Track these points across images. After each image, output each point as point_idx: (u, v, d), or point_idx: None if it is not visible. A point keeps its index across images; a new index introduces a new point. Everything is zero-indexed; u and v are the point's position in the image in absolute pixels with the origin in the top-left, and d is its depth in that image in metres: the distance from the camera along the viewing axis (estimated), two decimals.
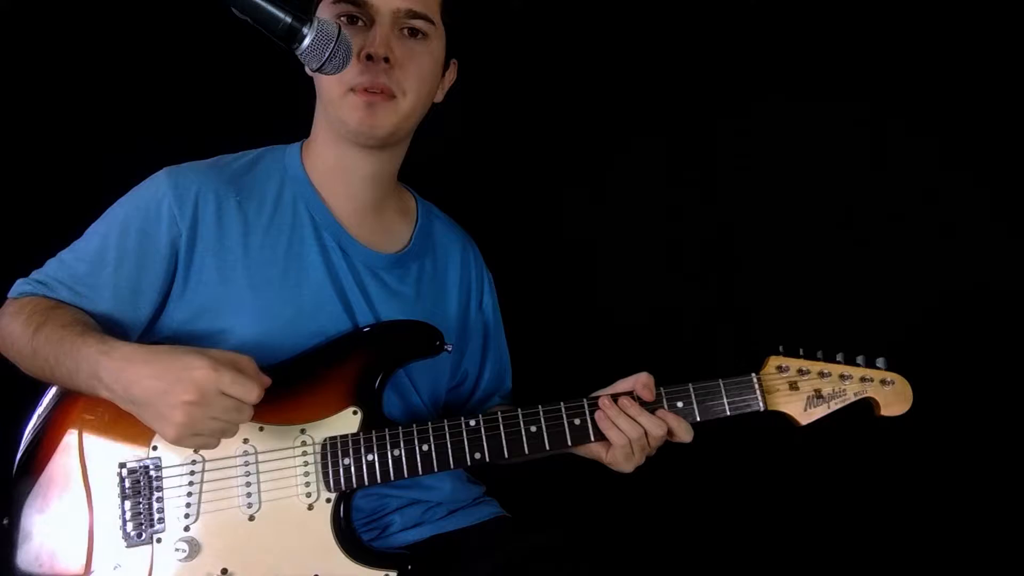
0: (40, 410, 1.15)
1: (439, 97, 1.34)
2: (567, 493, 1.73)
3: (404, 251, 1.36)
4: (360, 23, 1.21)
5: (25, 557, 1.08)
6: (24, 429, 1.14)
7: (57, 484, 1.11)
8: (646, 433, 1.20)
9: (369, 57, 1.18)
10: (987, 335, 1.86)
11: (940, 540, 1.84)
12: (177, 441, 1.03)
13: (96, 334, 1.11)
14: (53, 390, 1.16)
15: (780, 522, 1.88)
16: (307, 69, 1.24)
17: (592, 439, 1.22)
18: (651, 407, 1.22)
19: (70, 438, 1.12)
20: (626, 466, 1.23)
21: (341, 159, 1.29)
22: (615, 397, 1.21)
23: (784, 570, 1.86)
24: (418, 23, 1.23)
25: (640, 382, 1.22)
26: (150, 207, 1.20)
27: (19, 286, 1.22)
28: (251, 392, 1.03)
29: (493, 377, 1.50)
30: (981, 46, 1.85)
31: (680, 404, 1.23)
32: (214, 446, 1.08)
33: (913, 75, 1.87)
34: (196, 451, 1.12)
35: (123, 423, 1.11)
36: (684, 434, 1.21)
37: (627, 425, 1.19)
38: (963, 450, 1.84)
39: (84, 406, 1.13)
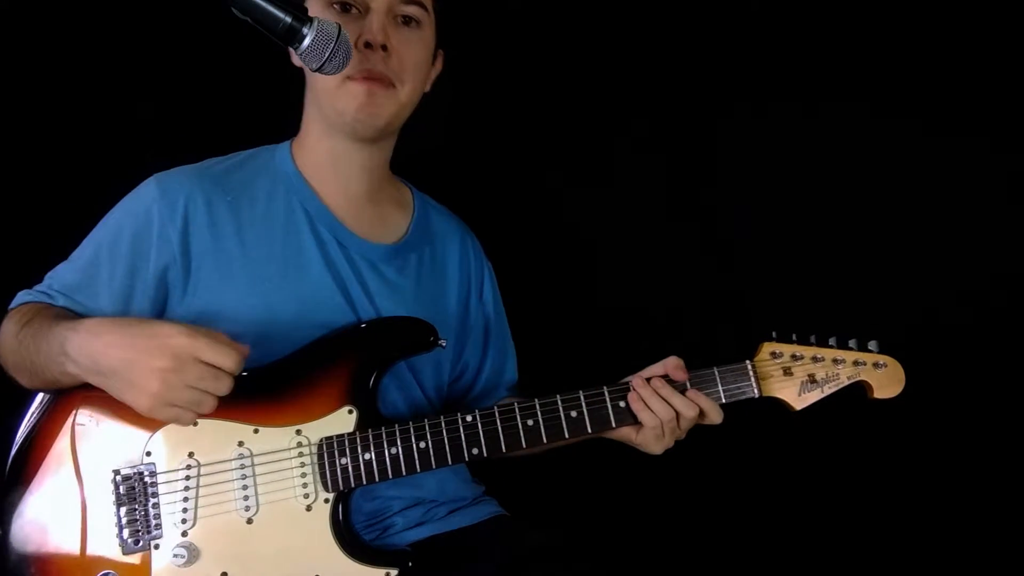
0: (29, 416, 1.14)
1: (427, 87, 1.34)
2: (567, 492, 1.72)
3: (402, 242, 1.35)
4: (354, 11, 1.22)
5: (20, 566, 1.07)
6: (14, 436, 1.13)
7: (50, 492, 1.09)
8: (677, 415, 1.20)
9: (368, 45, 1.19)
10: (980, 321, 1.88)
11: (934, 526, 1.84)
12: (151, 411, 1.01)
13: (72, 317, 1.10)
14: (40, 395, 1.15)
15: (778, 511, 1.87)
16: (294, 61, 1.25)
17: (590, 431, 1.22)
18: (680, 389, 1.22)
19: (63, 445, 1.10)
20: (656, 448, 1.24)
21: (333, 151, 1.29)
22: (648, 380, 1.21)
23: (782, 560, 1.86)
24: (412, 9, 1.23)
25: (671, 364, 1.23)
26: (139, 213, 1.20)
27: (20, 297, 1.22)
28: (228, 358, 1.01)
29: (494, 370, 1.48)
30: (985, 44, 1.86)
31: None
32: (188, 420, 1.04)
33: (913, 75, 1.88)
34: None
35: (115, 428, 1.10)
36: (715, 415, 1.22)
37: (659, 406, 1.19)
38: (956, 433, 1.85)
39: (77, 409, 1.11)
